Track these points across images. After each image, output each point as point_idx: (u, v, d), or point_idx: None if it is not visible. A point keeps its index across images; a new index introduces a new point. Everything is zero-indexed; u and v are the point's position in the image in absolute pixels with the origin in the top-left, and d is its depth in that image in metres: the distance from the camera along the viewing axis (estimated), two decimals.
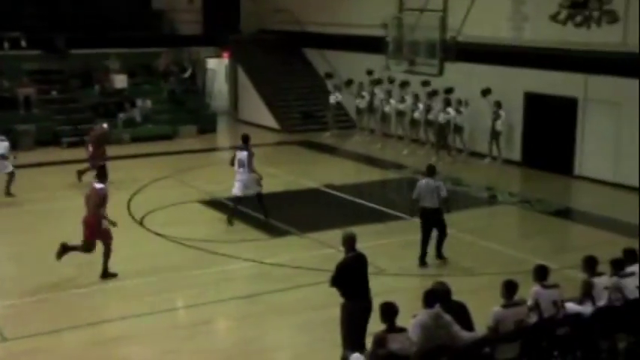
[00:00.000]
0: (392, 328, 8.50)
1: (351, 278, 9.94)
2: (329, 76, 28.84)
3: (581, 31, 21.12)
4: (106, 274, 13.72)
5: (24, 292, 13.08)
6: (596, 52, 20.63)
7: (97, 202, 13.61)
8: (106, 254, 13.69)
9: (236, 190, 16.89)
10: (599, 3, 20.63)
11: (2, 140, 19.40)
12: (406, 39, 21.68)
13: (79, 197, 18.57)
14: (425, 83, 24.00)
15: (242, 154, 16.80)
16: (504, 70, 23.18)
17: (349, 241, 10.08)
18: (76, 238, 14.81)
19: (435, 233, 14.67)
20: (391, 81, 25.78)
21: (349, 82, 27.94)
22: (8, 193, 18.91)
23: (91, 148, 20.26)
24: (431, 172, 14.64)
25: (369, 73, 26.75)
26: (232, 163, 16.96)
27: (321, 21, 29.95)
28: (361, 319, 9.82)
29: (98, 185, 13.81)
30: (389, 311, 8.56)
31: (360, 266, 10.04)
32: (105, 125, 21.31)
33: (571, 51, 21.22)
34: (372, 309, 9.86)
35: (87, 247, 13.72)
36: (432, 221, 14.49)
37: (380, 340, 8.38)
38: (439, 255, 14.82)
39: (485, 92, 23.06)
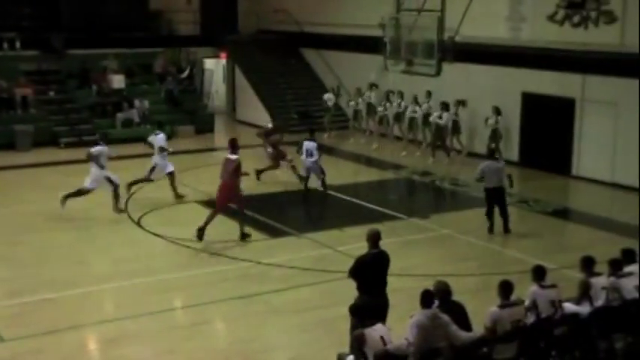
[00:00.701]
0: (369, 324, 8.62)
1: (367, 274, 10.04)
2: (374, 86, 27.52)
3: (578, 32, 21.14)
4: (244, 236, 15.79)
5: (23, 293, 13.07)
6: (593, 53, 20.64)
7: (231, 171, 15.54)
8: (242, 217, 15.97)
9: (303, 171, 19.92)
10: (596, 3, 20.64)
11: (157, 134, 19.42)
12: (404, 39, 21.67)
13: (79, 198, 18.72)
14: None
15: (310, 144, 19.49)
16: (502, 71, 23.21)
17: (373, 238, 10.19)
18: (77, 237, 14.85)
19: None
20: (391, 93, 26.01)
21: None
22: (178, 196, 19.01)
23: (270, 149, 21.04)
24: (492, 154, 17.13)
25: (372, 85, 26.99)
26: (299, 152, 19.79)
27: (318, 21, 29.96)
28: (370, 316, 9.81)
29: (233, 156, 15.77)
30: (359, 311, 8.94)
31: (379, 264, 10.13)
32: (269, 125, 22.46)
33: (568, 51, 21.23)
34: (388, 307, 9.99)
35: (219, 211, 15.88)
36: (496, 198, 16.35)
37: (359, 339, 8.46)
38: (506, 229, 16.49)
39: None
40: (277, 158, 20.97)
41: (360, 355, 8.47)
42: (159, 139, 19.16)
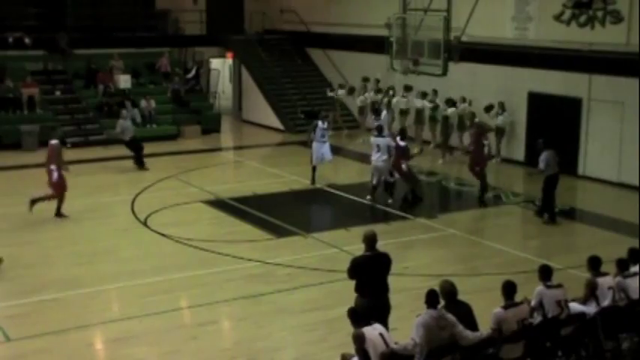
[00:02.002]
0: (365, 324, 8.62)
1: (361, 276, 9.91)
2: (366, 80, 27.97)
3: (585, 31, 21.09)
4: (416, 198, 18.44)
5: (28, 293, 13.09)
6: (600, 52, 20.61)
7: (399, 154, 18.10)
8: (414, 185, 18.50)
9: (374, 178, 18.87)
10: (602, 3, 20.58)
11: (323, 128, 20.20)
12: (410, 39, 21.68)
13: (83, 197, 18.77)
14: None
15: (383, 141, 18.50)
16: (508, 70, 23.17)
17: (367, 240, 10.02)
18: (83, 237, 14.84)
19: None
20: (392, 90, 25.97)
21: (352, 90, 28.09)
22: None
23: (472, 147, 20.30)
24: (544, 144, 17.28)
25: (365, 79, 26.88)
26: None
27: (325, 21, 29.97)
28: (367, 318, 9.78)
29: (402, 142, 18.23)
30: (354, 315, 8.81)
31: (374, 266, 9.96)
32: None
33: (575, 51, 21.20)
34: (388, 308, 9.90)
35: (405, 181, 18.58)
36: (554, 185, 17.18)
37: (359, 338, 8.44)
38: (554, 218, 17.30)
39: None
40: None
41: (362, 354, 8.46)
42: None
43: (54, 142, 17.63)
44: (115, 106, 27.25)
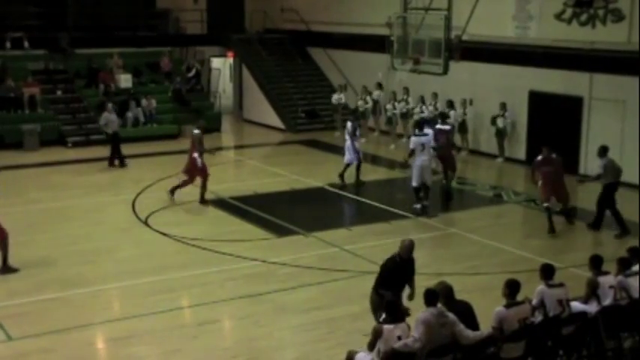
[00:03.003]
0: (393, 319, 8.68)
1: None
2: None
3: (586, 30, 21.07)
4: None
5: (30, 292, 13.10)
6: (601, 51, 20.59)
7: (444, 142, 18.65)
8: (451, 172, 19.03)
9: (415, 179, 17.94)
10: (604, 1, 20.56)
11: (351, 122, 20.58)
12: (411, 38, 21.65)
13: (85, 196, 18.79)
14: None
15: (427, 139, 17.80)
16: (509, 69, 23.16)
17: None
18: (84, 236, 14.85)
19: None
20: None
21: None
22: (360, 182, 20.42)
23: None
24: (604, 150, 16.48)
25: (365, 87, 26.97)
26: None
27: (326, 20, 29.94)
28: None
29: (446, 126, 19.11)
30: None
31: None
32: None
33: (576, 50, 21.17)
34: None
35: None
36: (614, 193, 16.37)
37: (376, 332, 8.55)
38: (626, 230, 16.18)
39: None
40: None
41: (371, 347, 8.56)
42: None
43: (196, 131, 18.81)
44: (116, 106, 27.25)
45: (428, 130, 18.22)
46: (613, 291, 10.03)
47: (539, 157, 16.71)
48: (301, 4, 31.32)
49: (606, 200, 16.47)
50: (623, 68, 20.04)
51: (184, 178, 18.66)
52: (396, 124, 26.19)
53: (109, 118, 22.88)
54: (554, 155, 16.60)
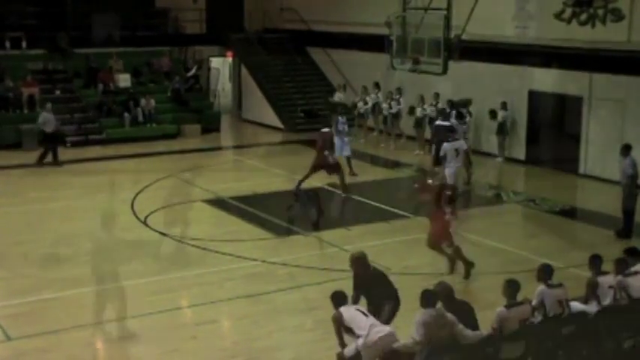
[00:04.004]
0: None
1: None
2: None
3: (585, 30, 21.05)
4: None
5: (28, 292, 13.06)
6: (601, 50, 20.56)
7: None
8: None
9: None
10: (603, 1, 20.54)
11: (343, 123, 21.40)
12: (410, 38, 21.62)
13: (83, 196, 18.75)
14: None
15: (462, 144, 17.84)
16: (509, 69, 23.14)
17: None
18: (82, 236, 14.82)
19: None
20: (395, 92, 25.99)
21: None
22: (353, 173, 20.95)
23: None
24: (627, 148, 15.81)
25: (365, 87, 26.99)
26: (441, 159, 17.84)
27: (325, 20, 29.91)
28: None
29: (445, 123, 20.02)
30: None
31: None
32: None
33: (576, 49, 21.15)
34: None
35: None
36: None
37: (335, 319, 9.13)
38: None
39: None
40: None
41: (339, 335, 9.13)
42: None
43: (326, 129, 19.57)
44: (115, 106, 27.26)
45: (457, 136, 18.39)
46: (613, 291, 10.02)
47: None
48: (301, 3, 31.28)
49: (631, 197, 15.89)
50: (623, 68, 20.02)
51: (336, 174, 19.27)
52: (392, 124, 26.16)
53: (47, 117, 23.02)
54: None
